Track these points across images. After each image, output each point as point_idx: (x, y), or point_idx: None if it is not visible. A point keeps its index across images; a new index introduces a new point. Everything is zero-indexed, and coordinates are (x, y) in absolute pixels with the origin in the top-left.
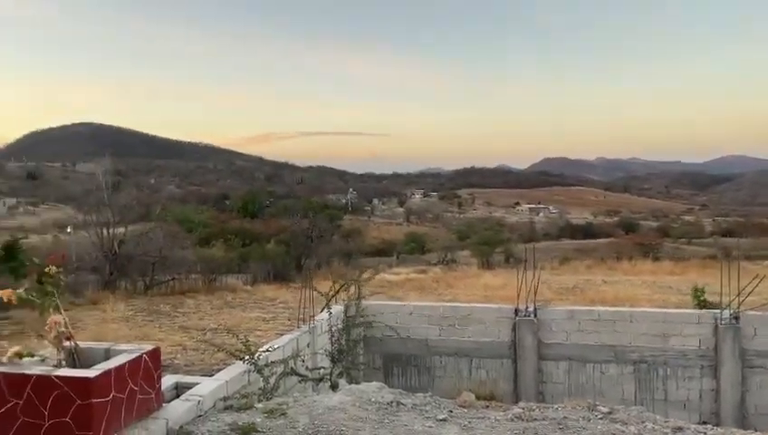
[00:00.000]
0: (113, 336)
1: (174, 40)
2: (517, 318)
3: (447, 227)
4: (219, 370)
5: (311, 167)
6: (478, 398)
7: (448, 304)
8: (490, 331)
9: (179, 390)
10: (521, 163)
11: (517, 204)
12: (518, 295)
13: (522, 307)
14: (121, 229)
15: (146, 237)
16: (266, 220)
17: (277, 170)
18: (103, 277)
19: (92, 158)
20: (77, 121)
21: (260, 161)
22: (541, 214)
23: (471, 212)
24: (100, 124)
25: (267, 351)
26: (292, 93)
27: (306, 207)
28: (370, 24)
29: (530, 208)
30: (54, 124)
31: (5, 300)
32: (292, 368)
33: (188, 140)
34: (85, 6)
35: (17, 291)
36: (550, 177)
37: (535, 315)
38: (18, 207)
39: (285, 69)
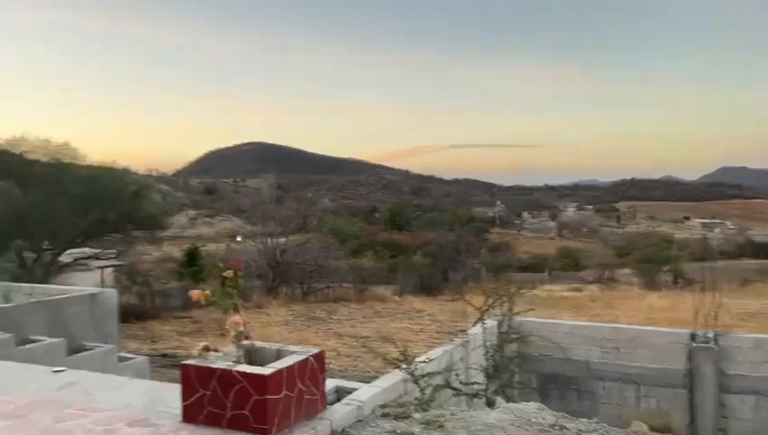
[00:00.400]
0: (277, 339)
1: (319, 59)
2: (693, 344)
3: (605, 242)
4: (373, 377)
5: (457, 180)
6: (651, 429)
7: (611, 324)
8: (660, 357)
9: (339, 393)
10: (690, 174)
11: (686, 218)
12: (696, 319)
13: (699, 332)
14: (283, 239)
15: (304, 247)
16: (413, 232)
17: (423, 183)
18: (267, 283)
19: (259, 174)
20: (246, 141)
21: (407, 175)
22: (716, 230)
23: (632, 227)
24: (265, 143)
25: (424, 362)
26: (437, 107)
27: (452, 219)
28: (513, 33)
29: (702, 223)
30: (228, 144)
31: (195, 300)
32: (447, 381)
33: (342, 156)
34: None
35: (205, 292)
36: (727, 188)
37: (716, 342)
38: (197, 219)
39: (430, 82)
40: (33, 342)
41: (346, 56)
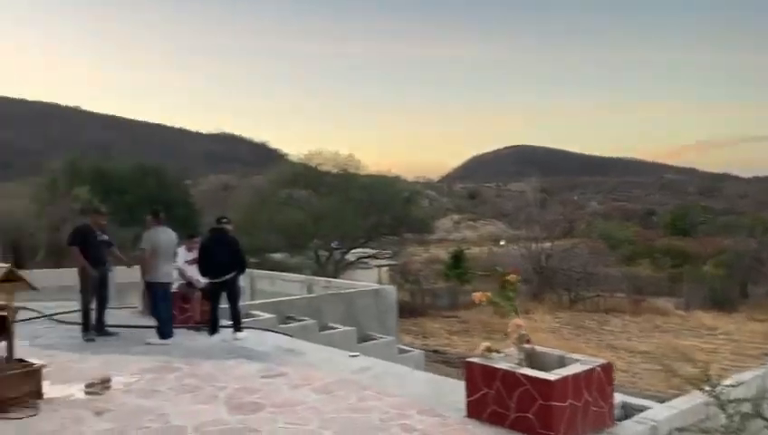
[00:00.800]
0: (544, 346)
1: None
2: None
3: None
4: (656, 395)
5: (757, 177)
6: None
7: None
8: None
9: (626, 410)
10: None
11: None
12: None
13: None
14: (548, 244)
15: (571, 253)
16: (700, 239)
17: (713, 183)
18: (532, 289)
19: (521, 177)
20: (506, 145)
21: (692, 173)
22: None
23: None
24: (526, 145)
25: (731, 385)
26: (725, 97)
27: (753, 224)
28: None
29: None
30: (488, 149)
31: (477, 302)
32: (757, 410)
33: (613, 156)
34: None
35: (487, 294)
36: None
37: None
38: (461, 223)
39: (711, 70)
40: (331, 328)
41: (610, 52)
